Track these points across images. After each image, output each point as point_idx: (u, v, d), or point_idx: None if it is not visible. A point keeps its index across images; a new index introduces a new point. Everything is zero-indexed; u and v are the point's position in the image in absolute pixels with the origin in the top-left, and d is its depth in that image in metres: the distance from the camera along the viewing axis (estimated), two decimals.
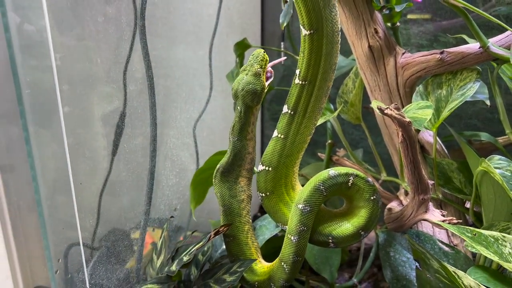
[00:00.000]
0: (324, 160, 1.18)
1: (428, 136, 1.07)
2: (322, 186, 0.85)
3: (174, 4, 1.07)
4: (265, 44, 1.56)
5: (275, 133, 0.90)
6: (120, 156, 1.04)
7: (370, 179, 0.88)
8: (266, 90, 0.92)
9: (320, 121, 1.06)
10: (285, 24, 1.07)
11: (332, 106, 1.18)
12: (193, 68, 1.18)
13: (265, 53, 0.92)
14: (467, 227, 0.77)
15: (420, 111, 0.87)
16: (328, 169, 0.87)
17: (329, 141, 1.20)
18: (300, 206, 0.85)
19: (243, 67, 0.92)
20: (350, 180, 0.86)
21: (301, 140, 0.90)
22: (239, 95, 0.90)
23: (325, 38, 0.83)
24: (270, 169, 0.90)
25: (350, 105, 1.16)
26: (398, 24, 1.12)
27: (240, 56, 1.30)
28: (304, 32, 0.83)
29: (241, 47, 1.29)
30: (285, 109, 0.90)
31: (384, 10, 1.08)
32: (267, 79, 0.92)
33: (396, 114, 0.69)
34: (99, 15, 0.96)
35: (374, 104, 0.89)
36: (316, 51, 0.84)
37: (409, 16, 1.40)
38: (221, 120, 1.36)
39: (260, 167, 0.91)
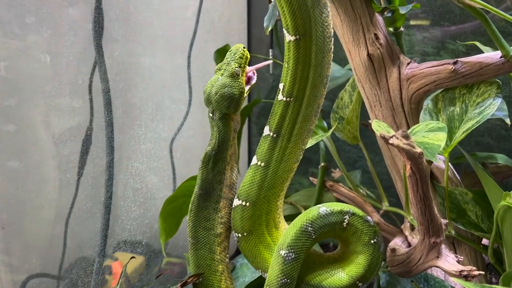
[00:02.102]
0: (317, 186, 1.02)
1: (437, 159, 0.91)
2: (311, 227, 0.69)
3: (135, 4, 0.91)
4: (252, 52, 1.40)
5: (254, 160, 0.74)
6: (88, 177, 0.89)
7: (369, 218, 0.72)
8: (246, 95, 0.76)
9: (310, 143, 0.90)
10: (270, 29, 0.91)
11: (325, 124, 1.02)
12: (163, 79, 1.02)
13: (245, 49, 0.76)
14: (487, 285, 0.61)
15: (431, 134, 0.71)
16: (318, 206, 0.71)
17: (322, 163, 1.04)
18: (282, 252, 0.68)
19: (218, 65, 0.76)
20: (346, 220, 0.70)
21: (286, 169, 0.74)
22: (212, 101, 0.74)
23: (315, 45, 0.67)
24: (247, 204, 0.74)
25: (346, 122, 1.00)
26: (402, 29, 0.97)
27: None
28: (289, 37, 0.67)
29: (223, 55, 1.13)
30: (266, 130, 0.74)
31: (386, 13, 0.93)
32: (247, 81, 0.76)
33: (404, 144, 0.53)
34: (58, 17, 0.81)
35: (376, 126, 0.73)
36: (303, 61, 0.68)
37: (413, 22, 1.25)
38: (201, 138, 1.20)
39: (236, 202, 0.75)
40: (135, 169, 0.93)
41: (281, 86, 0.71)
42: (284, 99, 0.71)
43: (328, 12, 0.66)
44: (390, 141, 0.53)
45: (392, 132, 0.69)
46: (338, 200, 1.02)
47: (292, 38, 0.66)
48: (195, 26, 1.16)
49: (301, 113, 0.72)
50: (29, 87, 0.81)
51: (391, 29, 0.98)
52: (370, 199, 1.02)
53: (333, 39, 0.69)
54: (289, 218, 1.06)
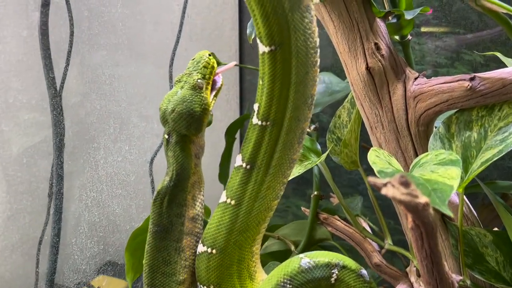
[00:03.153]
0: (309, 218, 0.89)
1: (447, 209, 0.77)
2: (290, 284, 0.56)
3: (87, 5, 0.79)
4: (244, 62, 1.28)
5: (223, 197, 0.61)
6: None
7: (364, 272, 0.58)
8: (211, 108, 0.64)
9: (298, 171, 0.77)
10: (253, 37, 0.79)
11: (318, 146, 0.88)
12: (133, 93, 0.90)
13: (211, 57, 0.64)
14: None
15: (441, 169, 0.57)
16: (299, 257, 0.58)
17: (315, 192, 0.90)
18: None
19: (177, 76, 0.64)
20: (334, 275, 0.57)
21: (263, 207, 0.61)
22: (168, 120, 0.61)
23: (295, 57, 0.54)
24: (214, 251, 0.60)
25: (343, 145, 0.86)
26: (409, 37, 0.83)
27: None
28: (262, 48, 0.54)
29: None
30: (238, 160, 0.61)
31: (390, 18, 0.80)
32: (211, 92, 0.64)
33: (403, 194, 0.40)
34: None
35: (373, 158, 0.60)
36: (281, 77, 0.55)
37: (424, 29, 1.12)
38: None
39: (201, 248, 0.62)
40: (91, 199, 0.81)
41: (255, 107, 0.58)
42: (259, 123, 0.58)
43: (311, 17, 0.53)
44: (383, 191, 0.39)
45: (389, 173, 0.55)
46: (333, 236, 0.88)
47: (267, 49, 0.53)
48: (177, 35, 1.04)
49: (281, 140, 0.59)
50: None
51: (397, 37, 0.84)
52: (372, 234, 0.88)
53: (318, 50, 0.55)
54: (276, 256, 0.92)
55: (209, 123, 1.11)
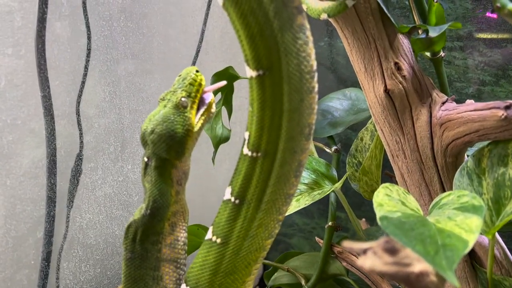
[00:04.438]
0: (322, 250, 0.81)
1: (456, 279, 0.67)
2: None
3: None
4: None
5: (209, 234, 0.55)
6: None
7: None
8: (197, 130, 0.58)
9: (305, 203, 0.70)
10: None
11: (334, 172, 0.80)
12: (134, 109, 0.86)
13: (198, 73, 0.58)
14: None
15: (460, 217, 0.49)
16: None
17: (330, 223, 0.82)
18: None
19: (162, 94, 0.59)
20: None
21: (253, 247, 0.55)
22: (147, 141, 0.56)
23: (287, 83, 0.47)
24: None
25: (362, 172, 0.78)
26: (442, 53, 0.74)
27: (222, 93, 0.96)
28: (249, 72, 0.48)
29: (223, 79, 0.95)
30: (227, 194, 0.55)
31: (419, 33, 0.71)
32: (199, 107, 0.59)
33: (387, 265, 0.32)
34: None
35: (378, 200, 0.52)
36: (271, 104, 0.49)
37: (480, 35, 1.00)
38: (195, 179, 1.01)
39: None
40: (87, 221, 0.78)
41: (246, 135, 0.52)
42: (250, 153, 0.52)
43: (306, 38, 0.46)
44: (359, 262, 0.31)
45: (395, 220, 0.47)
46: (348, 272, 0.80)
47: (254, 73, 0.47)
48: (198, 46, 1.00)
49: (274, 173, 0.52)
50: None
51: (428, 53, 0.75)
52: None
53: (315, 75, 0.49)
54: None
55: (226, 139, 1.05)
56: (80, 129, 0.80)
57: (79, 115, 0.80)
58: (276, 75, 0.47)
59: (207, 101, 0.59)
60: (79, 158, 0.85)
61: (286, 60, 0.46)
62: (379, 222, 0.47)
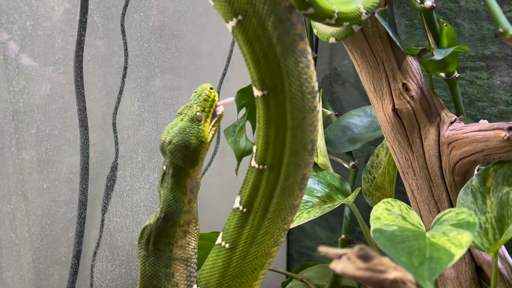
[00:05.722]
0: None
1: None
2: None
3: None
4: None
5: (219, 239, 0.60)
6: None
7: None
8: (209, 141, 0.64)
9: (314, 215, 0.73)
10: None
11: (347, 186, 0.83)
12: (162, 122, 0.92)
13: (211, 90, 0.64)
14: None
15: (453, 232, 0.51)
16: None
17: (342, 236, 0.85)
18: None
19: (180, 109, 0.65)
20: None
21: (259, 253, 0.59)
22: (166, 150, 0.62)
23: (289, 103, 0.52)
24: None
25: (374, 188, 0.80)
26: (456, 74, 0.76)
27: (247, 108, 1.01)
28: (256, 92, 0.53)
29: (247, 96, 1.00)
30: (236, 202, 0.59)
31: (435, 55, 0.73)
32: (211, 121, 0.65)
33: (359, 270, 0.35)
34: None
35: (376, 214, 0.55)
36: (275, 121, 0.53)
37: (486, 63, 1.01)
38: (220, 189, 1.07)
39: None
40: (114, 224, 0.84)
41: (254, 148, 0.57)
42: (257, 166, 0.56)
43: (308, 61, 0.51)
44: (332, 265, 0.35)
45: (389, 233, 0.50)
46: (360, 286, 0.82)
47: (259, 93, 0.52)
48: (226, 64, 1.06)
49: (279, 185, 0.57)
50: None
51: (442, 74, 0.77)
52: None
53: (317, 95, 0.53)
54: None
55: (249, 151, 1.10)
56: (116, 140, 0.88)
57: (115, 127, 0.88)
58: (279, 95, 0.51)
59: (218, 113, 0.64)
60: (114, 166, 0.93)
61: (288, 81, 0.51)
62: (371, 235, 0.50)
